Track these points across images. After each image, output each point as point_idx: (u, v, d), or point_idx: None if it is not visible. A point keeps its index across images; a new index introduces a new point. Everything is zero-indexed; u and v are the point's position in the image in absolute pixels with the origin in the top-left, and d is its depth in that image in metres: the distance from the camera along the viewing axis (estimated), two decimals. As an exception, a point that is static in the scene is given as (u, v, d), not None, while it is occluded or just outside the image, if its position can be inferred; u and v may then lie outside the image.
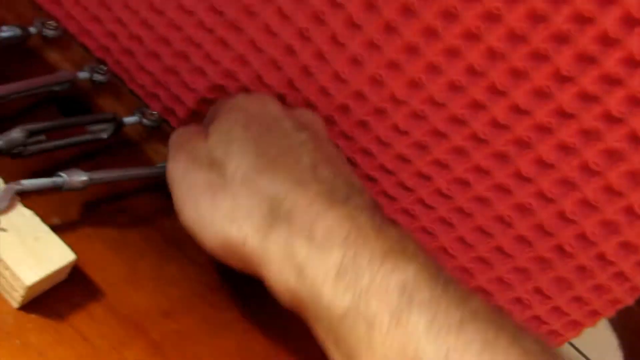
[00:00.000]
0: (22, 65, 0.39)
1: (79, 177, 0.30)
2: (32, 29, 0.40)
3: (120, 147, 0.39)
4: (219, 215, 0.26)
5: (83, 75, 0.40)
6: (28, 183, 0.28)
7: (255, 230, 0.25)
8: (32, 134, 0.30)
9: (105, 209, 0.34)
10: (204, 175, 0.28)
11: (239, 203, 0.26)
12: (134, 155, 0.39)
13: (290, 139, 0.29)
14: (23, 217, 0.27)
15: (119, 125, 0.37)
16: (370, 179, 0.36)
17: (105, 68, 0.41)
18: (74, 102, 0.40)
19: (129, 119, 0.38)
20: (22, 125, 0.30)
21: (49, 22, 0.41)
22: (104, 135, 0.37)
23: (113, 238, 0.32)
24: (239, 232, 0.26)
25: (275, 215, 0.25)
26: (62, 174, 0.29)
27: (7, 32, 0.38)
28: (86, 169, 0.31)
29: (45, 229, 0.27)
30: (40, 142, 0.32)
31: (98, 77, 0.40)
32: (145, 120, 0.39)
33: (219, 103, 0.34)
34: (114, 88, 0.41)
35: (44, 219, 0.28)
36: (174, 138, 0.32)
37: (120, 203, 0.35)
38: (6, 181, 0.28)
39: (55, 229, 0.28)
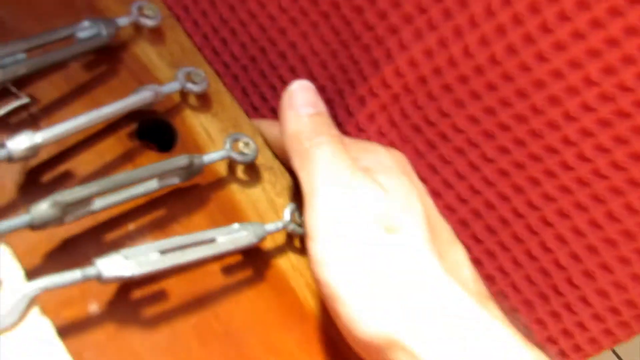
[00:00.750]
0: (108, 68, 0.34)
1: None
2: (123, 20, 0.34)
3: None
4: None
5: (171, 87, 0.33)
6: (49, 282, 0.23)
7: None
8: (68, 205, 0.25)
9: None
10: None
11: None
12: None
13: None
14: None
15: (193, 169, 0.30)
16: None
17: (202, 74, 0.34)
18: (156, 122, 0.34)
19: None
20: (54, 195, 0.24)
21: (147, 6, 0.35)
22: (176, 180, 0.30)
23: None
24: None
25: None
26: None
27: (88, 29, 0.32)
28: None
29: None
30: (88, 201, 0.26)
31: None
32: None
33: (371, 149, 0.31)
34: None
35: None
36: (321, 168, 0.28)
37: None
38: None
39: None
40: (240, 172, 0.34)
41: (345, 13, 0.35)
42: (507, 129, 0.31)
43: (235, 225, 0.30)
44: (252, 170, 0.35)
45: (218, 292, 0.30)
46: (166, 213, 0.31)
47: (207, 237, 0.28)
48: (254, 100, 0.46)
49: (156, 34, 0.36)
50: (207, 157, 0.31)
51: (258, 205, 0.34)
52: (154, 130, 0.34)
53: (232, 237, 0.29)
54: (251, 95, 0.45)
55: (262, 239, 0.30)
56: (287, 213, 0.32)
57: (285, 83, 0.35)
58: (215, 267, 0.31)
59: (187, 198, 0.32)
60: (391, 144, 0.46)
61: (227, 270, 0.31)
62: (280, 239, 0.33)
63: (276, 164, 0.36)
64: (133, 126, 0.33)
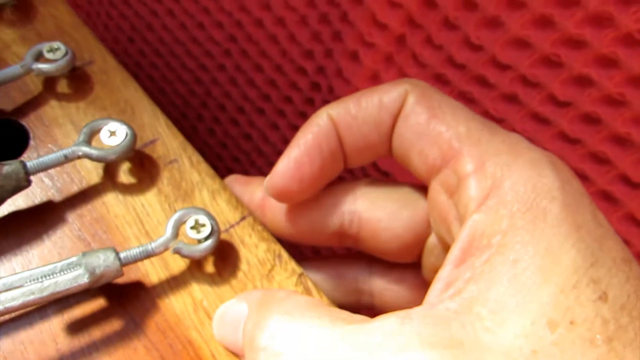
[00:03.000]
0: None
1: None
2: None
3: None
4: None
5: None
6: None
7: None
8: None
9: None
10: None
11: None
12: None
13: None
14: None
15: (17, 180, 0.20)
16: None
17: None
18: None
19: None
20: None
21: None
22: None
23: None
24: None
25: None
26: None
27: None
28: None
29: None
30: None
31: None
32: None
33: None
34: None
35: None
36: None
37: None
38: None
39: None
40: (123, 173, 0.24)
41: None
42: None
43: (72, 259, 0.19)
44: (142, 169, 0.24)
45: (69, 362, 0.19)
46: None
47: (31, 277, 0.18)
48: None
49: (20, 12, 0.28)
50: (45, 160, 0.21)
51: (148, 219, 0.23)
52: None
53: (57, 278, 0.18)
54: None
55: (105, 275, 0.19)
56: (170, 225, 0.21)
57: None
58: (54, 323, 0.20)
59: (27, 220, 0.22)
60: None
61: (75, 328, 0.20)
62: (177, 264, 0.22)
63: (186, 155, 0.24)
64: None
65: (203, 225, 0.21)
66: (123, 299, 0.21)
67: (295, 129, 0.41)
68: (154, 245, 0.20)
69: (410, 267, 0.24)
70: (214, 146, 0.49)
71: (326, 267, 0.25)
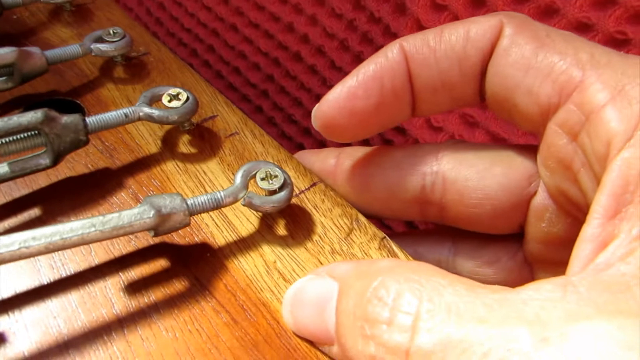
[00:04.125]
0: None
1: None
2: None
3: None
4: None
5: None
6: None
7: None
8: None
9: None
10: None
11: None
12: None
13: None
14: None
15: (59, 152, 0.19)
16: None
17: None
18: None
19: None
20: None
21: None
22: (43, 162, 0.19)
23: None
24: None
25: None
26: None
27: None
28: None
29: None
30: None
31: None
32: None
33: None
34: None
35: None
36: None
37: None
38: None
39: None
40: (182, 144, 0.22)
41: None
42: None
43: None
44: (203, 140, 0.22)
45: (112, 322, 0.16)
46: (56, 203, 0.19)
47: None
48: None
49: (76, 16, 0.28)
50: (104, 117, 0.20)
51: (211, 185, 0.21)
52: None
53: (121, 216, 0.16)
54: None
55: (172, 217, 0.17)
56: (240, 175, 0.19)
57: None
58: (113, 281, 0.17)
59: (83, 185, 0.20)
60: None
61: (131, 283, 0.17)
62: (248, 220, 0.19)
63: (247, 128, 0.23)
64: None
65: (275, 177, 0.19)
66: (187, 260, 0.18)
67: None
68: (223, 193, 0.18)
69: (504, 242, 0.21)
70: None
71: (401, 247, 0.22)
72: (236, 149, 0.22)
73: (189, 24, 0.45)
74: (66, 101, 0.23)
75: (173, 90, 0.21)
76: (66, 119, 0.19)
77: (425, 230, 0.23)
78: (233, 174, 0.21)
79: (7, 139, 0.18)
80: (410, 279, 0.13)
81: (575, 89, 0.15)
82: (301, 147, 0.41)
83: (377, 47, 0.35)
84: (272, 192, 0.19)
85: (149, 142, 0.22)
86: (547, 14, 0.25)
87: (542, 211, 0.18)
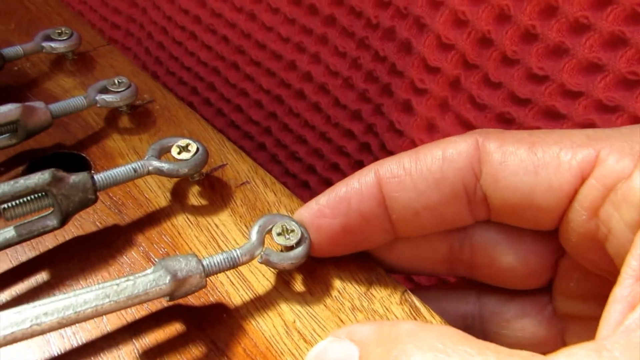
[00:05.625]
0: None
1: None
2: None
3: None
4: None
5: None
6: None
7: None
8: None
9: None
10: None
11: None
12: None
13: None
14: None
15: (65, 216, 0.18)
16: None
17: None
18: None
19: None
20: None
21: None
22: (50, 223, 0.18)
23: None
24: None
25: None
26: None
27: None
28: None
29: None
30: None
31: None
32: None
33: None
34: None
35: None
36: None
37: None
38: None
39: None
40: (192, 195, 0.21)
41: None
42: None
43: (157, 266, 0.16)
44: (213, 191, 0.21)
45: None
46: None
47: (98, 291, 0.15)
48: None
49: (79, 65, 0.27)
50: (113, 173, 0.19)
51: (224, 239, 0.20)
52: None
53: (134, 283, 0.15)
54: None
55: (188, 281, 0.16)
56: (255, 231, 0.18)
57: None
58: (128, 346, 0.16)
59: (92, 244, 0.19)
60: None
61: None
62: (264, 280, 0.18)
63: (258, 177, 0.22)
64: (16, 172, 0.22)
65: (292, 231, 0.18)
66: (202, 322, 0.17)
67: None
68: (239, 252, 0.17)
69: (532, 296, 0.20)
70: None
71: (424, 301, 0.21)
72: (248, 199, 0.21)
73: (189, 62, 0.45)
74: (72, 155, 0.22)
75: (182, 142, 0.21)
76: (74, 178, 0.18)
77: (449, 284, 0.22)
78: (246, 225, 0.20)
79: (13, 202, 0.17)
80: (435, 347, 0.13)
81: (594, 165, 0.15)
82: (306, 185, 0.41)
83: (383, 86, 0.34)
84: (289, 248, 0.18)
85: (158, 195, 0.21)
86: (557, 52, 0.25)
87: (570, 272, 0.18)
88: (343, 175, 0.38)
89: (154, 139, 0.23)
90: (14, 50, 0.24)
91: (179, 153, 0.20)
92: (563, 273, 0.18)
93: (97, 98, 0.23)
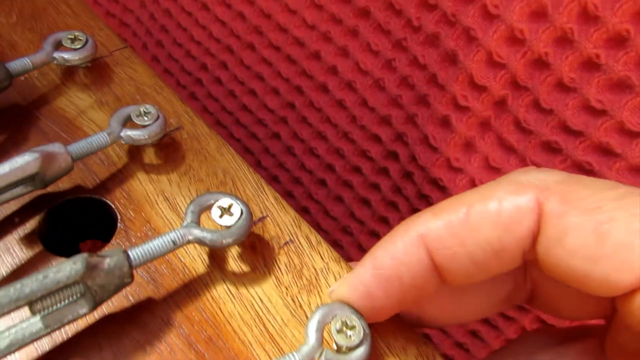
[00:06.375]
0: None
1: None
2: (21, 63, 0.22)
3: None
4: None
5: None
6: None
7: None
8: None
9: None
10: None
11: None
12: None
13: None
14: None
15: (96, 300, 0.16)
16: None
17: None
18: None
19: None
20: None
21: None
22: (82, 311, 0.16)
23: None
24: None
25: None
26: None
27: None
28: None
29: None
30: None
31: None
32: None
33: None
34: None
35: None
36: None
37: None
38: None
39: None
40: (232, 259, 0.19)
41: None
42: None
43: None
44: (254, 254, 0.19)
45: None
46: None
47: None
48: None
49: (93, 75, 0.24)
50: (150, 248, 0.17)
51: (271, 318, 0.18)
52: (78, 219, 0.21)
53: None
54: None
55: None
56: (313, 329, 0.16)
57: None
58: None
59: (124, 325, 0.17)
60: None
61: None
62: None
63: (302, 234, 0.20)
64: (33, 222, 0.19)
65: (352, 327, 0.16)
66: None
67: (363, 202, 0.37)
68: (297, 357, 0.15)
69: (583, 339, 0.19)
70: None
71: None
72: (293, 264, 0.19)
73: (199, 36, 0.41)
74: (94, 200, 0.20)
75: (224, 201, 0.18)
76: (109, 262, 0.16)
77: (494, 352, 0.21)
78: (292, 300, 0.18)
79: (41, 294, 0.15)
80: None
81: None
82: (323, 183, 0.38)
83: (420, 95, 0.32)
84: (351, 348, 0.16)
85: (195, 258, 0.19)
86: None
87: (621, 328, 0.17)
88: (364, 179, 0.36)
89: (184, 179, 0.21)
90: (21, 64, 0.21)
91: (220, 216, 0.18)
92: (615, 329, 0.17)
93: (122, 135, 0.20)
